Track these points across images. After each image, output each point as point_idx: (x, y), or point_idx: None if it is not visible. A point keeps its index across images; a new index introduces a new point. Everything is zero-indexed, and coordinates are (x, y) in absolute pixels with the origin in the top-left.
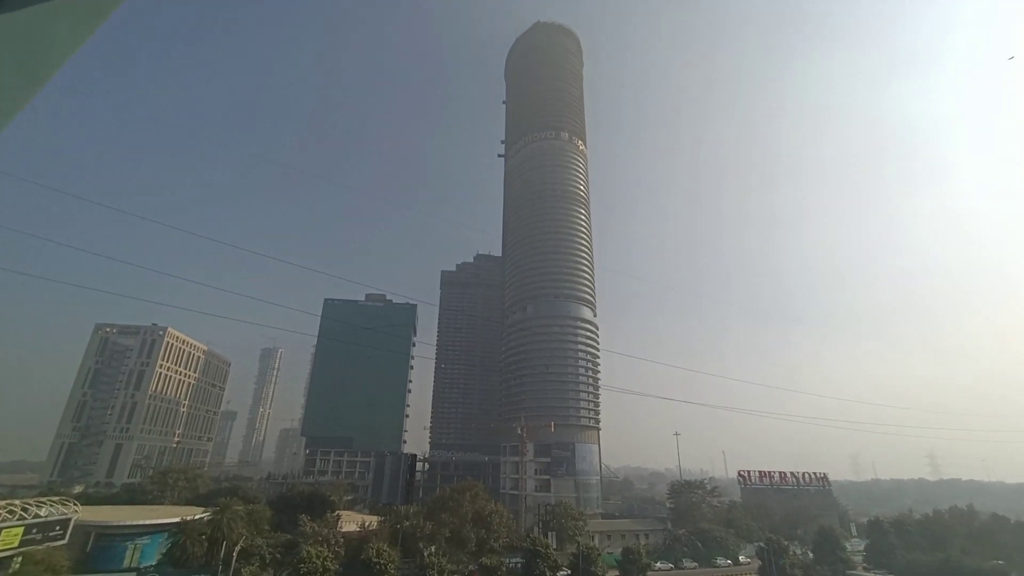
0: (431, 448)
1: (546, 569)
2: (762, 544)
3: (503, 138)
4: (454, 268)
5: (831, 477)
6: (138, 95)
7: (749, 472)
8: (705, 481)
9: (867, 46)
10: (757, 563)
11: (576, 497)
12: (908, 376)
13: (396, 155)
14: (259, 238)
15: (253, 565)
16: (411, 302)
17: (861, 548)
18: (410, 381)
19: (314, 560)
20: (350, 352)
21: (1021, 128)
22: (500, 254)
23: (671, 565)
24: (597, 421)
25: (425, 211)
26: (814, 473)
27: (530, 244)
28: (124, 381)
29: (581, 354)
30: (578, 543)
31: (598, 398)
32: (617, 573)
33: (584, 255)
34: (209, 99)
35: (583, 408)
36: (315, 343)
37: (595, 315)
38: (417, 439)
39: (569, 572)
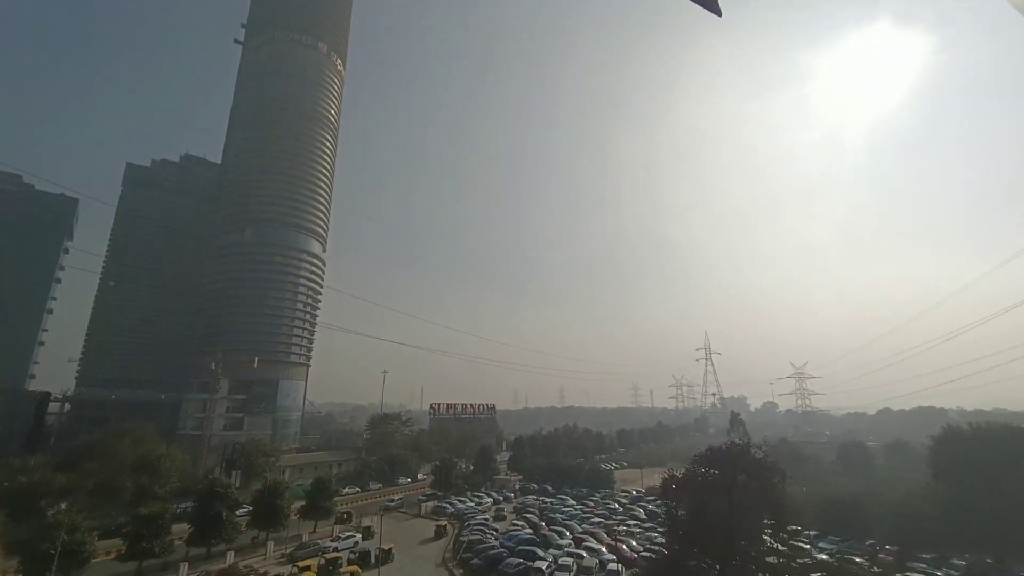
0: (80, 385)
1: (224, 509)
2: (438, 463)
3: (245, 21)
4: (148, 164)
5: (498, 407)
6: None
7: (439, 405)
8: (402, 414)
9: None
10: (432, 478)
11: (272, 434)
12: (563, 332)
13: None
14: None
15: None
16: (70, 194)
17: (506, 459)
18: (53, 298)
19: None
20: None
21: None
22: (219, 161)
23: (358, 488)
24: (308, 358)
25: (119, 83)
26: (486, 404)
27: (262, 160)
28: None
29: (302, 289)
30: (265, 479)
31: (313, 335)
32: (304, 502)
33: (323, 185)
34: None
35: (295, 345)
36: None
37: (324, 250)
38: (59, 374)
39: (251, 508)
